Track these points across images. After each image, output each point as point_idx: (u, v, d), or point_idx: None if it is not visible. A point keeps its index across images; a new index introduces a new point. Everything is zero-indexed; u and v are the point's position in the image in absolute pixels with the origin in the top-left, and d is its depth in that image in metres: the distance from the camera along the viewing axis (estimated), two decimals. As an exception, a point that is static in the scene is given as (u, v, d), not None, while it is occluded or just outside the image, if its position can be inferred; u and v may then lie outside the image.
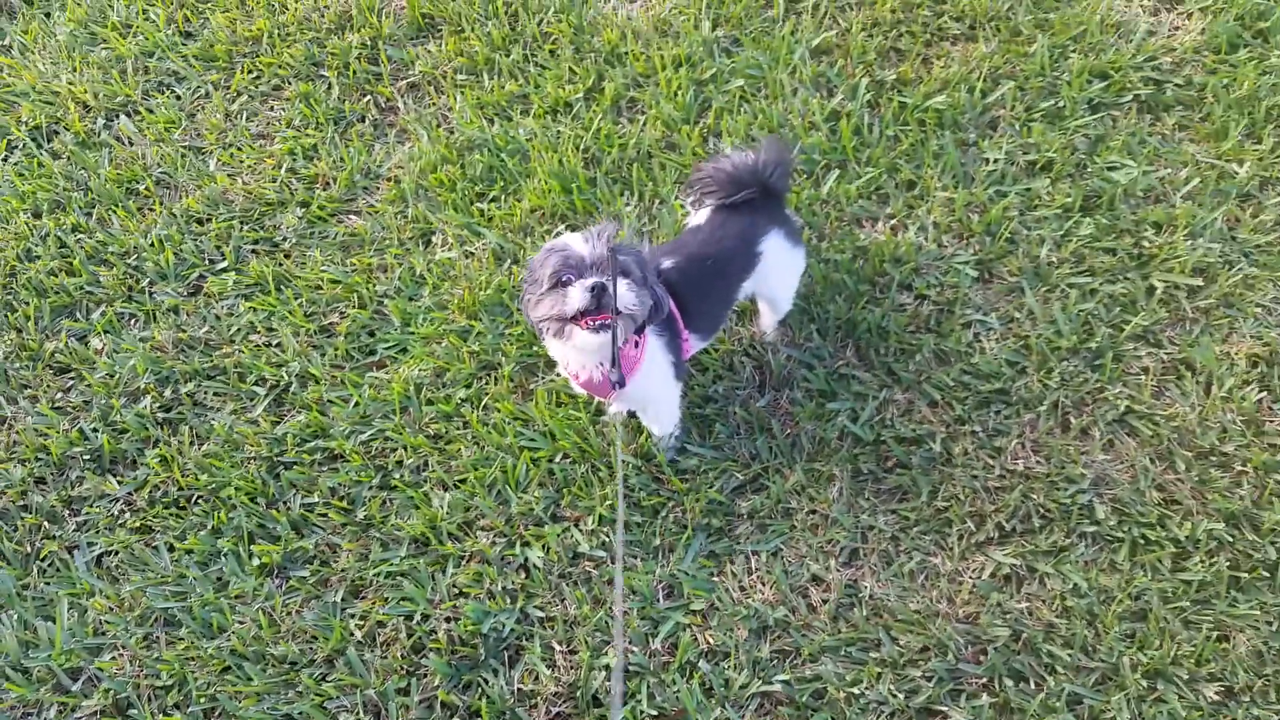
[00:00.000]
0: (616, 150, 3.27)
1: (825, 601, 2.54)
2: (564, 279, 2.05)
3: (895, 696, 2.39)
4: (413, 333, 2.99)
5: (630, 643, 2.49)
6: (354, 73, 3.58)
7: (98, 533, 2.69)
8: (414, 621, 2.52)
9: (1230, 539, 2.56)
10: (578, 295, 2.01)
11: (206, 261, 3.19)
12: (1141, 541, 2.58)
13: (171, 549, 2.66)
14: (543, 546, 2.61)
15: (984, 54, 3.43)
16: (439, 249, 3.17)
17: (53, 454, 2.81)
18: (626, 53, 3.53)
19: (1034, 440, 2.74)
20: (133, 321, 3.09)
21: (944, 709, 2.39)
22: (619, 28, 3.59)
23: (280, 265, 3.15)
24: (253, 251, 3.21)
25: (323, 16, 3.75)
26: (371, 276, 3.13)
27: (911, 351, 2.86)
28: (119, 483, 2.76)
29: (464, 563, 2.62)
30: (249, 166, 3.40)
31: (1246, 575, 2.52)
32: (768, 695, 2.43)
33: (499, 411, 2.80)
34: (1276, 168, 3.15)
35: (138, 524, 2.69)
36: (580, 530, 2.63)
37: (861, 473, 2.71)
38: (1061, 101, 3.29)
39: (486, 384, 2.88)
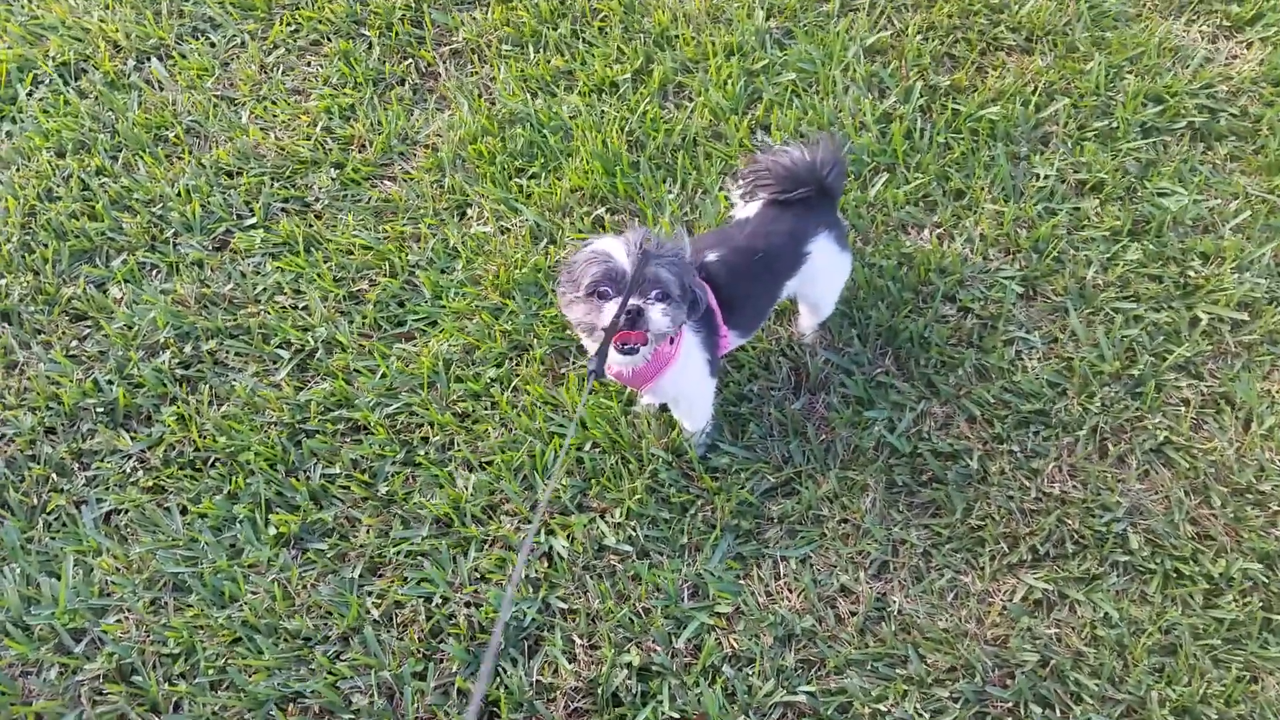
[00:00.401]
0: (662, 135, 3.17)
1: (853, 613, 2.47)
2: (601, 290, 2.02)
3: (921, 715, 2.33)
4: (444, 306, 2.88)
5: (653, 641, 2.41)
6: (396, 34, 3.46)
7: (107, 489, 2.58)
8: (433, 604, 2.43)
9: (1265, 580, 2.50)
10: (611, 314, 1.99)
11: (234, 216, 3.07)
12: (1174, 575, 2.52)
13: (184, 511, 2.55)
14: (568, 536, 2.53)
15: (1039, 68, 3.35)
16: (474, 222, 3.07)
17: (64, 404, 2.69)
18: (677, 36, 3.43)
19: (1071, 464, 2.67)
20: (154, 272, 2.97)
21: (970, 731, 2.33)
22: (670, 10, 3.48)
23: (311, 226, 3.04)
24: (283, 210, 3.09)
25: (367, -29, 3.63)
26: (404, 245, 3.02)
27: (952, 365, 2.78)
28: (132, 439, 2.64)
29: (486, 547, 2.53)
30: (283, 122, 3.27)
31: (1279, 618, 2.47)
32: (791, 705, 2.35)
33: (529, 394, 2.71)
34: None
35: (150, 483, 2.58)
36: (606, 522, 2.55)
37: (896, 484, 2.63)
38: (1115, 123, 3.21)
39: (517, 365, 2.79)
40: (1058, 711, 2.36)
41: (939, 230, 3.05)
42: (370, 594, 2.45)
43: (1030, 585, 2.50)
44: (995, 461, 2.66)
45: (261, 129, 3.25)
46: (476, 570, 2.48)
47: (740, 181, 2.57)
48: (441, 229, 3.04)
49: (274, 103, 3.32)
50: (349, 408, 2.71)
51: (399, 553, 2.50)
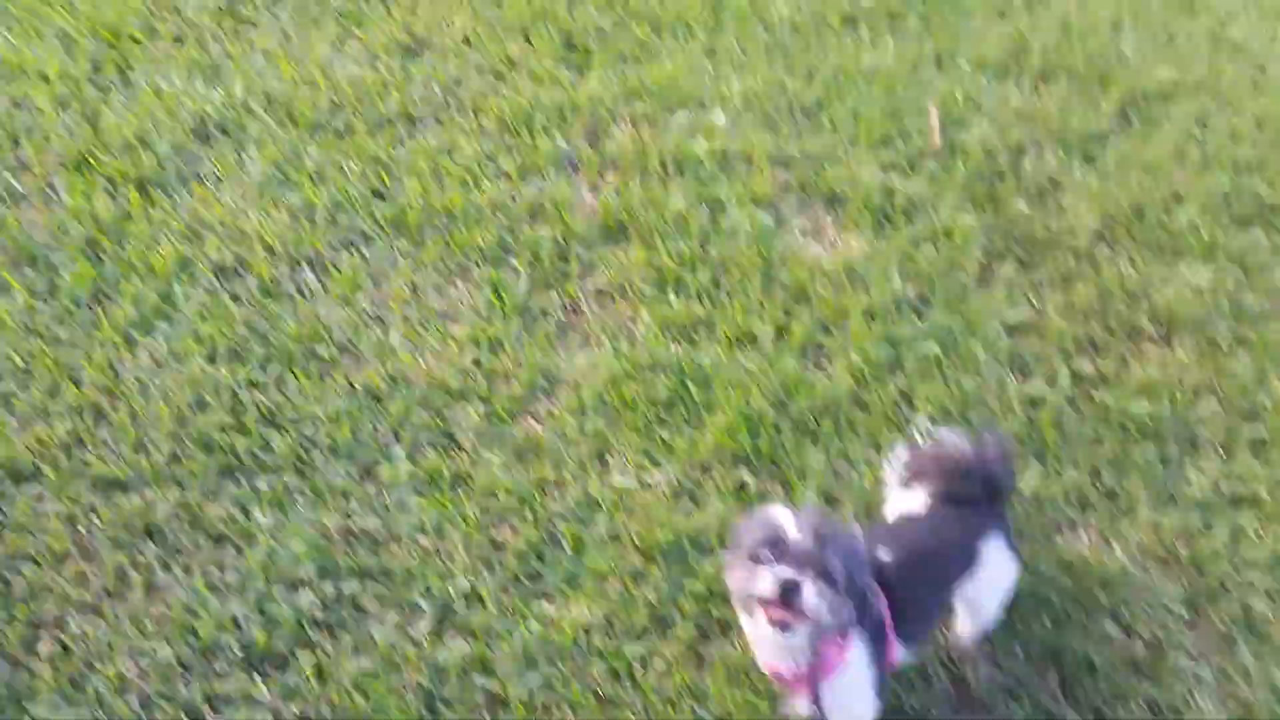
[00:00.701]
0: (804, 399, 3.19)
1: None
2: (761, 555, 1.96)
3: None
4: (585, 565, 2.84)
5: None
6: (545, 265, 3.56)
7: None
8: None
9: None
10: (766, 582, 1.93)
11: (381, 444, 3.08)
12: None
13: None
14: None
15: (1184, 361, 3.38)
16: (616, 473, 3.06)
17: (201, 638, 2.63)
18: (814, 295, 3.50)
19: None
20: (299, 498, 2.96)
21: None
22: (808, 266, 3.57)
23: (456, 463, 3.04)
24: (430, 443, 3.10)
25: (514, 202, 3.75)
26: (546, 491, 3.01)
27: (1122, 697, 2.66)
28: (268, 686, 2.57)
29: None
30: (432, 348, 3.32)
31: None
32: None
33: (673, 678, 2.63)
34: None
35: (273, 739, 2.50)
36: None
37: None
38: (1264, 432, 3.21)
39: (658, 640, 2.72)
40: None
41: (1094, 534, 2.99)
42: None
43: None
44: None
45: (411, 353, 3.30)
46: None
47: (901, 468, 2.57)
48: (584, 477, 3.03)
49: (423, 326, 3.38)
50: (487, 674, 2.63)
51: None
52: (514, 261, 3.60)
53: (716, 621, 2.74)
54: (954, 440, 2.50)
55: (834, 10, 4.81)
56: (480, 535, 2.89)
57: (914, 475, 2.52)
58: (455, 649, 2.66)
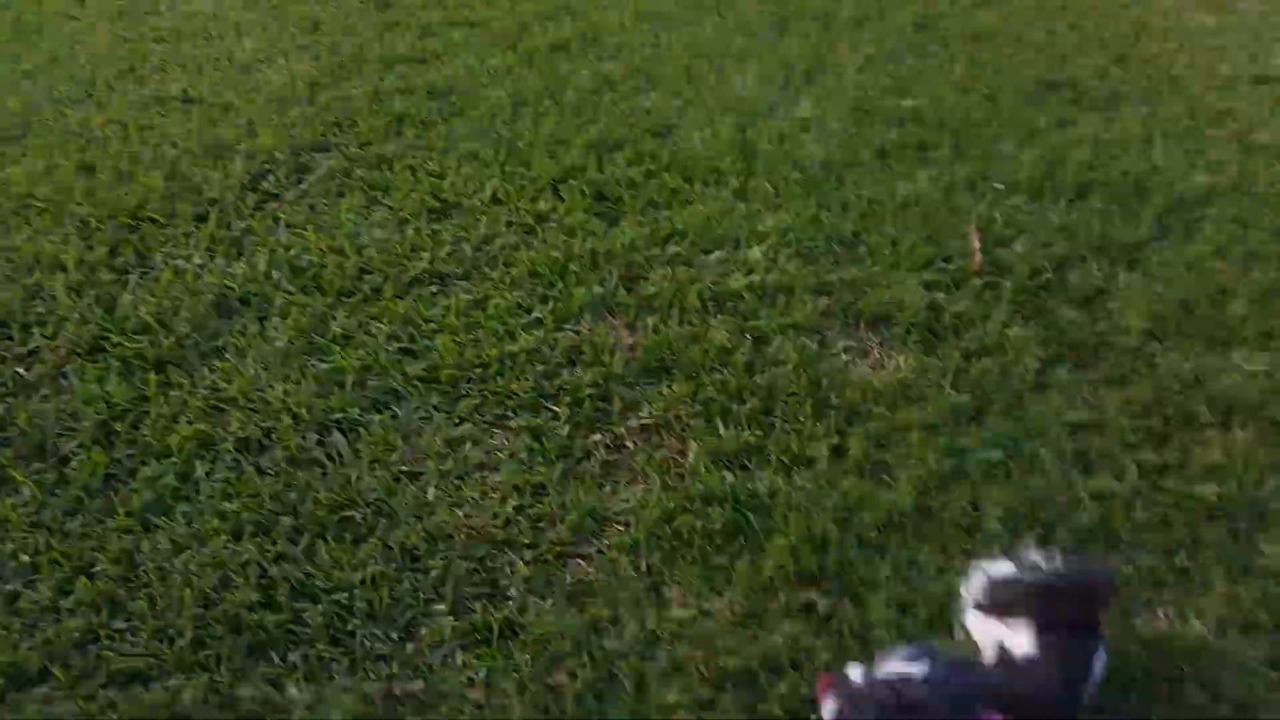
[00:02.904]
0: (868, 514, 3.15)
1: None
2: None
3: None
4: (649, 700, 2.71)
5: None
6: (585, 407, 3.61)
7: None
8: None
9: None
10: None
11: (422, 602, 3.01)
12: None
13: None
14: None
15: (1245, 445, 3.38)
16: (674, 605, 2.97)
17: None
18: (869, 413, 3.53)
19: None
20: (335, 667, 2.86)
21: None
22: (859, 387, 3.62)
23: (504, 613, 2.96)
24: (474, 596, 3.03)
25: (552, 349, 3.86)
26: (602, 632, 2.91)
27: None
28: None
29: None
30: (470, 499, 3.32)
31: None
32: None
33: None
34: None
35: None
36: None
37: None
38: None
39: (738, 781, 2.55)
40: None
41: (1171, 609, 2.91)
42: None
43: None
44: None
45: (449, 507, 3.29)
46: None
47: (993, 594, 2.50)
48: (640, 612, 2.94)
49: (461, 479, 3.39)
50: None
51: None
52: (553, 406, 3.66)
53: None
54: (1047, 566, 2.49)
55: (865, 145, 5.14)
56: (534, 684, 2.77)
57: (1010, 606, 2.47)
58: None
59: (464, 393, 3.72)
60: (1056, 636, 2.40)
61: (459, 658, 2.85)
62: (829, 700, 2.04)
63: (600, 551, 3.16)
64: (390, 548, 3.18)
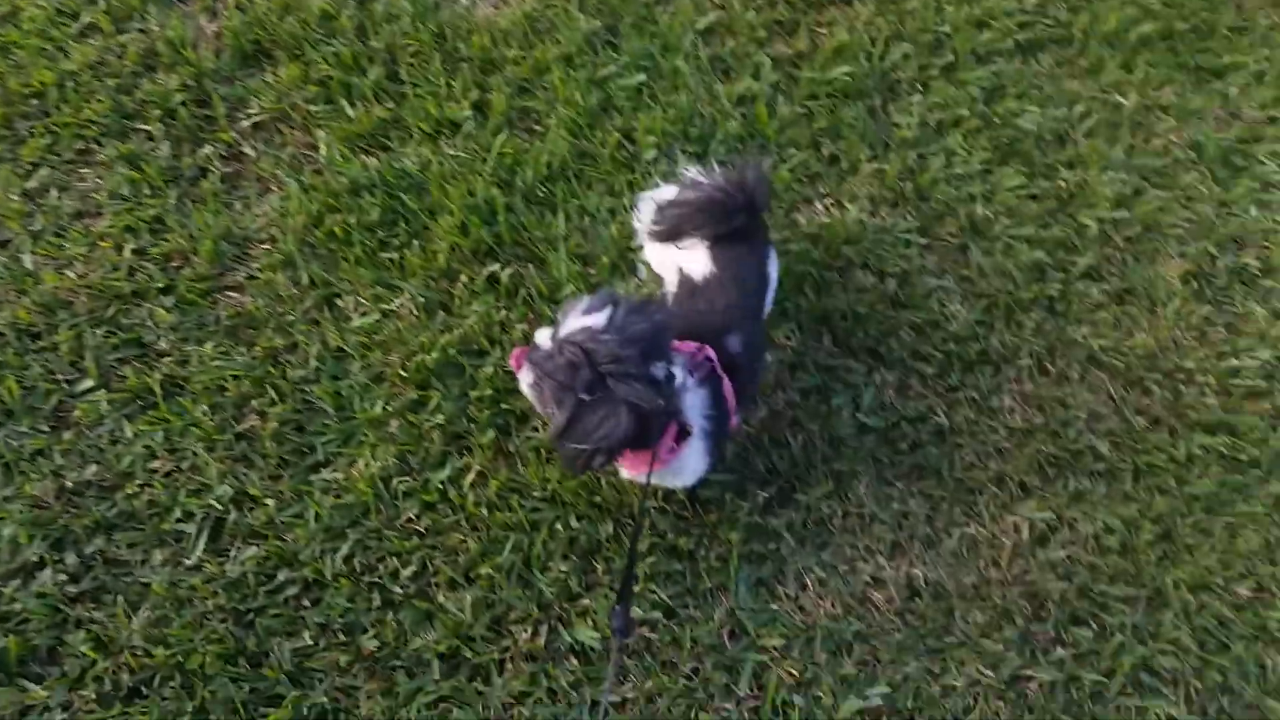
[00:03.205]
0: (529, 170, 3.14)
1: (889, 600, 2.62)
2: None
3: (984, 674, 2.53)
4: (354, 418, 2.74)
5: (717, 700, 2.45)
6: (182, 120, 3.19)
7: (37, 760, 2.26)
8: (478, 750, 2.34)
9: (1220, 450, 2.89)
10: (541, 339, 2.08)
11: (62, 383, 2.74)
12: (1145, 469, 2.86)
13: (145, 746, 2.29)
14: (590, 623, 2.50)
15: (867, 16, 3.61)
16: (354, 315, 2.91)
17: (-67, 672, 2.33)
18: (504, 60, 3.39)
19: (1023, 394, 2.95)
20: (-15, 477, 2.60)
21: (1029, 672, 2.56)
22: (485, 31, 3.43)
23: (162, 370, 2.77)
24: (120, 360, 2.79)
25: (121, 58, 3.29)
26: (281, 361, 2.82)
27: (889, 331, 2.99)
28: (43, 687, 2.32)
29: (507, 665, 2.45)
30: (78, 256, 2.93)
31: (1239, 477, 2.86)
32: (866, 711, 2.47)
33: (490, 486, 2.63)
34: (1155, 96, 3.57)
35: (93, 730, 2.29)
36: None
37: (881, 461, 2.80)
38: (951, 56, 3.53)
39: (461, 457, 2.70)
40: (1094, 625, 2.63)
41: (828, 200, 3.24)
42: (404, 765, 2.32)
43: (1029, 519, 2.76)
44: (959, 412, 2.90)
45: (56, 270, 2.90)
46: (509, 696, 2.40)
47: (662, 221, 2.56)
48: (318, 331, 2.86)
49: (60, 235, 2.97)
50: (293, 566, 2.51)
51: (417, 708, 2.36)
52: (143, 125, 3.20)
53: (514, 415, 2.76)
54: (707, 181, 2.53)
55: None
56: (224, 436, 2.69)
57: (678, 225, 2.52)
58: (246, 556, 2.52)
59: (25, 133, 3.15)
60: (729, 248, 2.52)
61: (127, 430, 2.68)
62: (524, 372, 2.11)
63: (251, 277, 2.97)
64: (3, 334, 2.81)
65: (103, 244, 2.97)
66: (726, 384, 2.30)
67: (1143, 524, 2.76)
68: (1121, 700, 2.55)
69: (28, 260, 2.92)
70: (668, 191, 2.66)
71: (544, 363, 2.03)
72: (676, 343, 2.26)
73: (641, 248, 2.88)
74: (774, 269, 2.67)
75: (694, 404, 2.22)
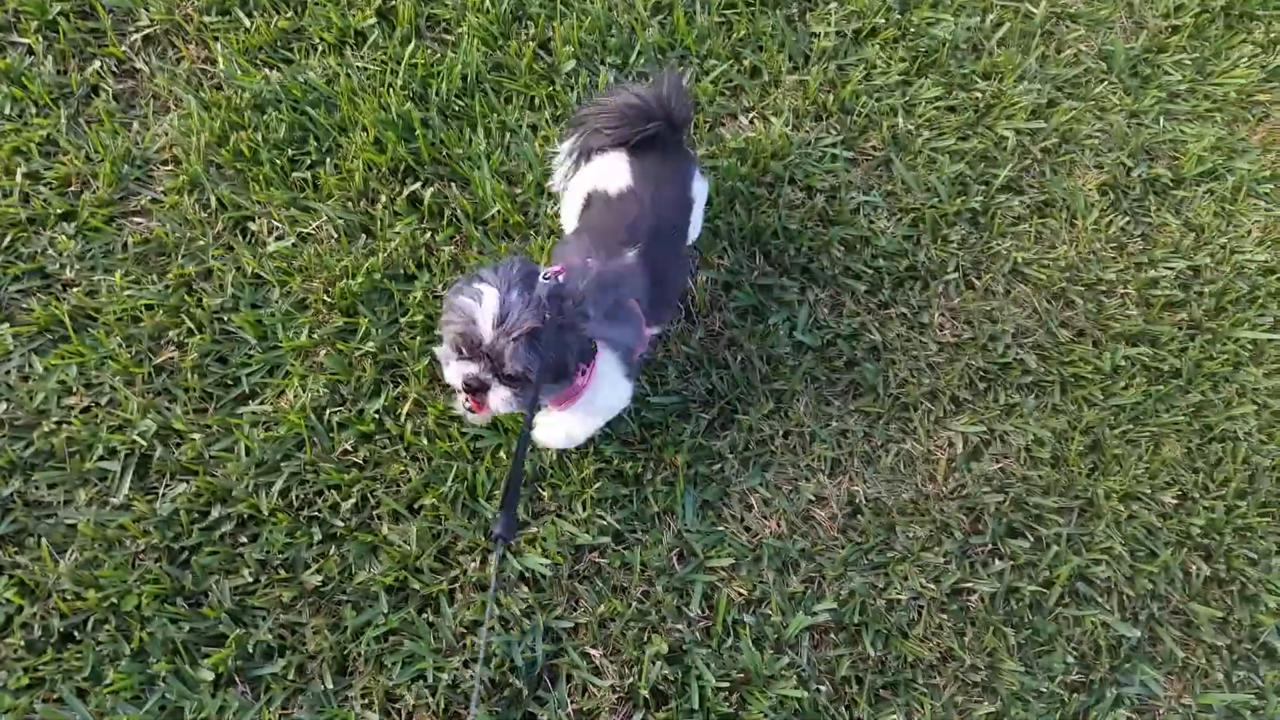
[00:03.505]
0: (445, 83, 3.14)
1: (832, 518, 2.79)
2: (456, 348, 2.05)
3: (927, 588, 2.73)
4: (279, 347, 2.74)
5: (669, 621, 2.59)
6: (65, 33, 3.06)
7: (-32, 712, 2.26)
8: (428, 680, 2.43)
9: (1143, 360, 3.13)
10: (454, 375, 2.06)
11: (-43, 320, 2.67)
12: (1072, 380, 3.09)
13: (83, 695, 2.31)
14: (539, 550, 2.60)
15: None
16: (269, 239, 2.89)
17: None
18: (408, -39, 3.34)
19: (951, 309, 3.13)
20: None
21: (969, 584, 2.77)
22: (387, -69, 3.37)
23: (70, 301, 2.71)
24: (23, 292, 2.72)
25: (-20, -34, 3.13)
26: (195, 290, 2.80)
27: (819, 247, 3.12)
28: (-31, 640, 2.32)
29: (457, 595, 2.54)
30: (-40, 181, 2.83)
31: (1161, 388, 3.11)
32: (814, 627, 2.66)
33: (428, 415, 2.69)
34: (1064, 3, 3.75)
35: (25, 680, 2.29)
36: (569, 522, 2.65)
37: (819, 379, 2.95)
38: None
39: (396, 386, 2.74)
40: (1030, 536, 2.86)
41: (751, 114, 3.34)
42: (356, 699, 2.39)
43: (963, 433, 2.96)
44: (890, 328, 3.06)
45: (-66, 198, 2.80)
46: (461, 625, 2.50)
47: (579, 130, 2.59)
48: (232, 257, 2.84)
49: (-67, 159, 2.85)
50: (226, 503, 2.54)
51: (366, 641, 2.44)
52: (19, 39, 3.06)
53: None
54: (625, 89, 2.55)
55: None
56: (140, 368, 2.66)
57: (599, 131, 2.54)
58: (176, 494, 2.52)
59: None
60: (649, 162, 2.53)
61: (37, 365, 2.63)
62: (492, 396, 2.07)
63: (156, 200, 2.91)
64: (-123, 272, 2.71)
65: (-12, 169, 2.86)
66: (635, 311, 2.35)
67: (1073, 435, 2.98)
68: (1060, 610, 2.77)
69: (-99, 188, 2.81)
70: (586, 106, 2.64)
71: (501, 359, 2.01)
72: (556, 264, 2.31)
73: (559, 169, 2.79)
74: (701, 189, 2.73)
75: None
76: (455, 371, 2.04)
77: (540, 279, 2.06)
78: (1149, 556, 2.89)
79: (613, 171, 2.52)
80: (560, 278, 2.14)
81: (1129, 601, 2.84)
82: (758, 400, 2.88)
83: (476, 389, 2.05)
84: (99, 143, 2.92)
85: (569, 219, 2.66)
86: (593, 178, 2.55)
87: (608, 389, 2.36)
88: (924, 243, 3.20)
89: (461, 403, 2.12)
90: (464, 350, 2.02)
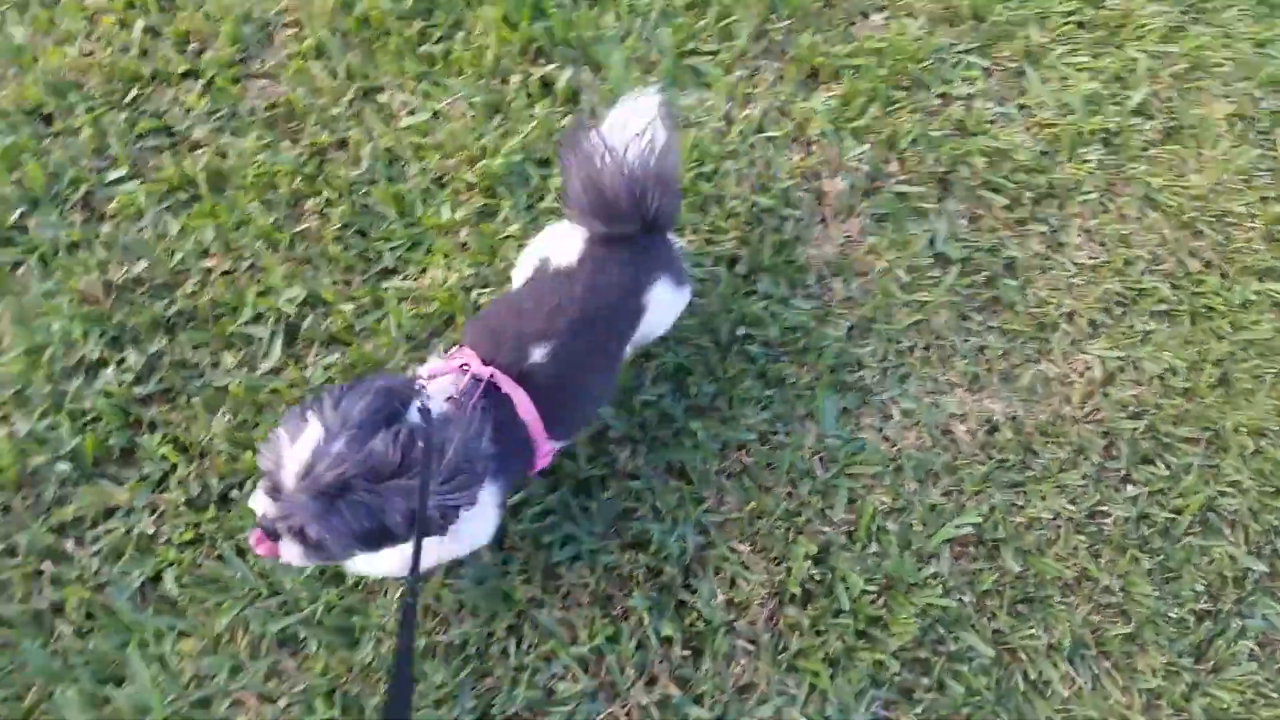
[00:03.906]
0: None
1: (971, 434, 2.95)
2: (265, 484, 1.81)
3: (1066, 509, 2.90)
4: (419, 224, 2.84)
5: (810, 522, 2.75)
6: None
7: (130, 560, 2.37)
8: (581, 560, 2.57)
9: (1272, 296, 3.31)
10: (255, 505, 1.84)
11: (90, 171, 2.73)
12: (1203, 312, 3.26)
13: (242, 554, 2.42)
14: (693, 445, 2.74)
15: None
16: (401, 113, 2.98)
17: (6, 474, 2.38)
18: None
19: (1087, 229, 3.28)
20: (19, 272, 2.60)
21: (1105, 508, 2.95)
22: None
23: (206, 162, 2.79)
24: (152, 150, 2.79)
25: None
26: (330, 160, 2.88)
27: (958, 157, 3.27)
28: (129, 488, 2.42)
29: (609, 482, 2.68)
30: (75, 31, 2.87)
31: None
32: (954, 540, 2.82)
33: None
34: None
35: (188, 535, 2.40)
36: (714, 419, 2.79)
37: (959, 293, 3.10)
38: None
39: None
40: (1160, 464, 3.03)
41: (885, 13, 3.47)
42: (515, 573, 2.53)
43: (1100, 357, 3.12)
44: (1028, 245, 3.21)
45: (56, 46, 2.84)
46: (616, 515, 2.65)
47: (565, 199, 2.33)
48: (367, 127, 2.92)
49: (50, 6, 2.89)
50: (376, 373, 2.65)
51: (528, 518, 2.58)
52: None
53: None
54: (589, 160, 2.20)
55: None
56: (281, 234, 2.75)
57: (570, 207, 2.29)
58: (328, 363, 2.62)
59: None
60: (607, 248, 2.29)
61: (170, 226, 2.71)
62: (283, 546, 1.83)
63: (283, 64, 2.98)
64: (9, 113, 2.76)
65: (105, 19, 2.91)
66: (521, 402, 2.13)
67: (1204, 367, 3.16)
68: (1188, 539, 2.94)
69: (18, 35, 2.85)
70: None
71: (296, 518, 1.76)
72: (441, 364, 2.15)
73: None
74: (670, 299, 2.51)
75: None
76: (256, 502, 1.82)
77: (414, 408, 1.86)
78: (1275, 493, 3.07)
79: (567, 238, 2.33)
80: (444, 398, 1.97)
81: (1254, 535, 3.02)
82: (897, 310, 3.02)
83: (269, 533, 1.82)
84: (219, 2, 2.97)
85: (518, 282, 2.47)
86: (551, 239, 2.40)
87: (476, 521, 2.15)
88: (1060, 160, 3.34)
89: (250, 533, 1.88)
90: (269, 487, 1.79)
